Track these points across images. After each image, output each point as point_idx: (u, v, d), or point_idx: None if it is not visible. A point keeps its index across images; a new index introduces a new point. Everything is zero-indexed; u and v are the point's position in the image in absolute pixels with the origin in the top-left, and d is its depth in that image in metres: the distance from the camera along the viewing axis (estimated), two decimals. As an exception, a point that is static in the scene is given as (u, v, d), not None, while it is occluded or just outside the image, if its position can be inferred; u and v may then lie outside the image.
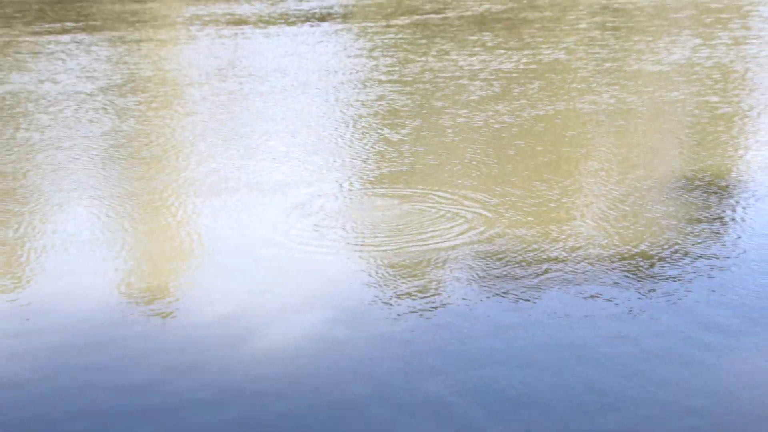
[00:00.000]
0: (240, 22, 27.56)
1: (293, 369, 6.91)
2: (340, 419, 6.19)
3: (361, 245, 9.81)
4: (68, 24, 27.83)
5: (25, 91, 18.08)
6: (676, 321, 7.54)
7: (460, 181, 11.75)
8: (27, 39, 25.02)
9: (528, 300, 8.11)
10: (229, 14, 29.15)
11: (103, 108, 16.65)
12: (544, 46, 21.63)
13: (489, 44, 21.52)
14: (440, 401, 6.37)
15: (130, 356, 7.30)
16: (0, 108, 16.71)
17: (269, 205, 11.09)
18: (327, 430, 6.07)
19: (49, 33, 25.94)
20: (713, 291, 8.17)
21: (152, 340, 7.60)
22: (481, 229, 9.91)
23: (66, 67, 20.65)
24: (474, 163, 12.71)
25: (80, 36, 25.43)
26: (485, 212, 10.48)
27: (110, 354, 7.38)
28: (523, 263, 8.93)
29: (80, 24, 27.96)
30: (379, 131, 14.53)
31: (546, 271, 8.71)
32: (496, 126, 14.30)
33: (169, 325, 7.93)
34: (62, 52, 22.73)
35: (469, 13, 27.28)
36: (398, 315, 7.92)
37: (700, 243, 9.40)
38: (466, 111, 15.24)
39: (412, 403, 6.37)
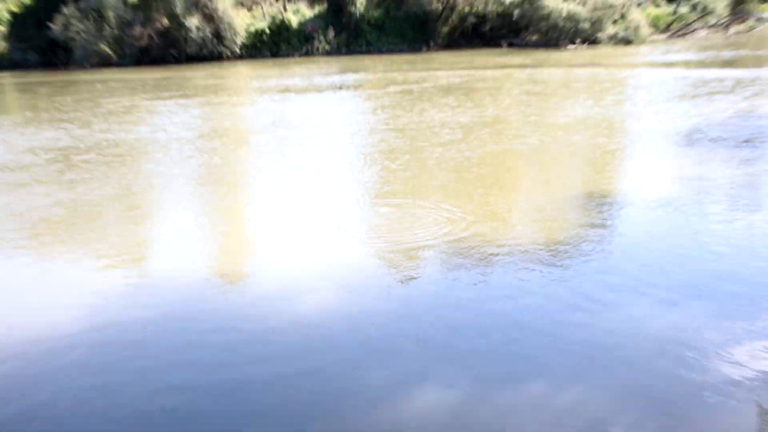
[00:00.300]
0: (286, 90, 27.57)
1: (318, 331, 6.97)
2: (351, 366, 6.35)
3: (370, 240, 9.71)
4: (173, 93, 27.82)
5: (146, 138, 18.05)
6: (573, 295, 7.55)
7: (437, 196, 11.66)
8: (146, 103, 25.02)
9: (482, 281, 8.07)
10: (279, 85, 29.19)
11: (198, 148, 16.59)
12: (489, 105, 21.58)
13: (452, 104, 21.51)
14: (415, 357, 6.47)
15: (213, 324, 7.32)
16: (131, 149, 16.68)
17: (309, 212, 11.00)
18: (342, 373, 6.20)
19: (160, 99, 25.94)
20: (602, 272, 8.20)
21: (229, 311, 7.61)
22: (451, 229, 9.85)
23: (172, 121, 20.64)
24: (446, 184, 12.64)
25: (181, 101, 25.42)
26: (455, 217, 10.40)
27: (199, 322, 7.41)
28: (479, 253, 8.89)
29: (180, 93, 27.95)
30: (382, 162, 14.45)
31: (495, 260, 8.69)
32: (460, 159, 14.21)
33: (238, 300, 7.92)
34: (169, 111, 22.72)
35: (438, 83, 27.29)
36: (391, 290, 7.92)
37: (595, 239, 9.40)
38: (440, 149, 15.17)
39: (393, 355, 6.50)
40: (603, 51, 42.31)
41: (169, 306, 7.74)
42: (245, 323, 7.21)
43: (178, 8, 42.34)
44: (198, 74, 35.03)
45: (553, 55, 40.00)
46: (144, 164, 15.14)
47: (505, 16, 47.01)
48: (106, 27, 43.07)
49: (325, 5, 46.57)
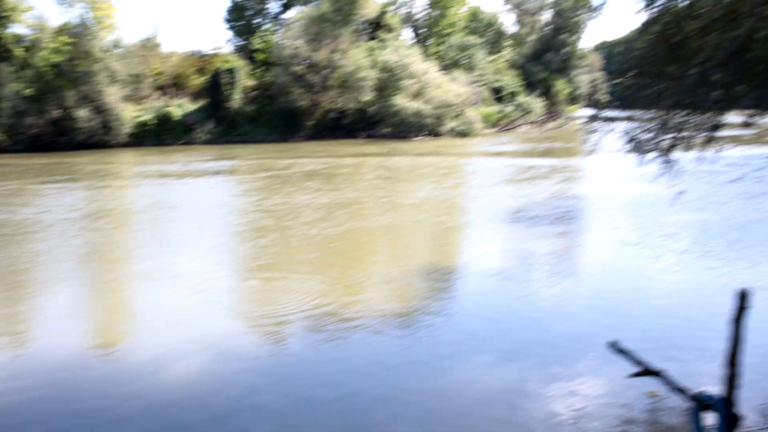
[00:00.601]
0: (166, 175, 26.77)
1: (177, 407, 6.61)
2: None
3: (237, 313, 9.43)
4: (60, 177, 26.41)
5: (32, 219, 16.91)
6: (415, 363, 7.54)
7: (301, 270, 11.50)
8: (33, 186, 23.56)
9: (337, 351, 7.91)
10: (160, 171, 28.31)
11: (82, 228, 15.71)
12: (347, 189, 21.66)
13: (315, 188, 21.42)
14: (267, 410, 6.31)
15: (87, 405, 6.93)
16: (17, 229, 15.57)
17: (183, 287, 10.50)
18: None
19: (48, 182, 24.56)
20: (442, 337, 8.26)
21: (101, 391, 7.17)
22: (314, 301, 9.65)
23: (58, 203, 19.47)
24: (310, 258, 12.50)
25: (67, 184, 24.15)
26: (317, 289, 10.24)
27: (76, 402, 7.02)
28: (338, 324, 8.75)
29: (67, 177, 26.58)
30: (252, 240, 14.16)
31: (351, 329, 8.56)
32: (322, 236, 14.07)
33: (109, 378, 7.42)
34: (56, 194, 21.48)
35: (303, 169, 27.23)
36: (252, 363, 7.64)
37: (437, 306, 9.49)
38: (305, 227, 14.98)
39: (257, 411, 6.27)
40: (444, 142, 43.73)
41: (48, 387, 7.05)
42: (109, 404, 6.67)
43: (70, 101, 40.98)
44: (85, 160, 33.65)
45: (403, 145, 40.98)
46: (29, 243, 14.15)
47: (362, 111, 48.00)
48: (1, 116, 41.06)
49: (207, 100, 46.21)
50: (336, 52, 46.30)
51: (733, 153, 26.14)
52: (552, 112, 63.97)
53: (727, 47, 6.59)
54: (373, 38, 51.14)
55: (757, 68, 6.91)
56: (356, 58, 46.72)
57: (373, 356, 7.67)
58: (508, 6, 71.29)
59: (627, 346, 4.98)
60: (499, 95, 58.70)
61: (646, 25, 8.07)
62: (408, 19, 59.85)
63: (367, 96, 47.50)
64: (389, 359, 7.56)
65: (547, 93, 63.67)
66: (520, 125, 58.28)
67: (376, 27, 52.23)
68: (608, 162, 24.52)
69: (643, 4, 7.71)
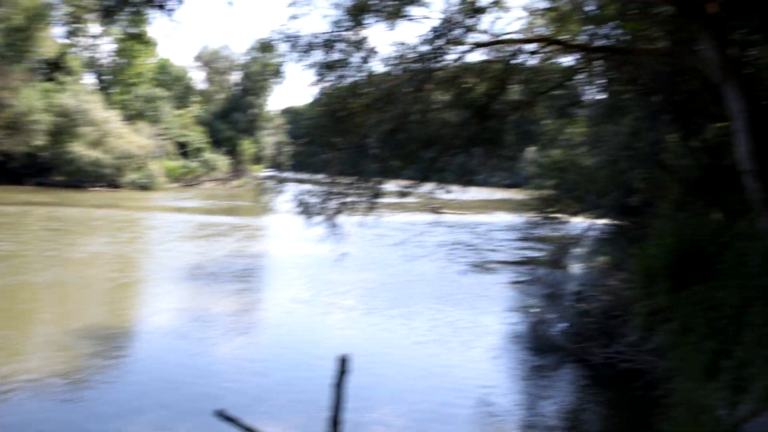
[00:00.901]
0: None
1: None
2: None
3: None
4: None
5: None
6: (64, 426, 7.23)
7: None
8: None
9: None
10: None
11: None
12: (7, 240, 19.35)
13: (-32, 237, 19.08)
14: None
15: None
16: None
17: None
18: None
19: None
20: (98, 401, 7.92)
21: None
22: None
23: None
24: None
25: None
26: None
27: None
28: None
29: None
30: None
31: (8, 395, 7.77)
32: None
33: None
34: None
35: (-44, 216, 24.18)
36: None
37: (100, 368, 9.11)
38: (-52, 282, 13.24)
39: None
40: (124, 194, 41.94)
41: None
42: None
43: None
44: None
45: (78, 195, 38.46)
46: None
47: (33, 156, 44.17)
48: None
49: None
50: (5, 89, 42.29)
51: (399, 219, 28.75)
52: (237, 170, 64.80)
53: (384, 126, 7.32)
54: (50, 80, 47.69)
55: (410, 146, 7.76)
56: (29, 98, 43.12)
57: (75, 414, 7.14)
58: (198, 63, 71.45)
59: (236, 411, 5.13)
60: (184, 150, 58.10)
61: (318, 98, 8.64)
62: (91, 64, 56.83)
63: (40, 140, 43.91)
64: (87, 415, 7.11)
65: (233, 151, 64.48)
66: (204, 182, 58.09)
67: (55, 68, 48.81)
68: (286, 222, 25.40)
69: (315, 78, 8.26)
